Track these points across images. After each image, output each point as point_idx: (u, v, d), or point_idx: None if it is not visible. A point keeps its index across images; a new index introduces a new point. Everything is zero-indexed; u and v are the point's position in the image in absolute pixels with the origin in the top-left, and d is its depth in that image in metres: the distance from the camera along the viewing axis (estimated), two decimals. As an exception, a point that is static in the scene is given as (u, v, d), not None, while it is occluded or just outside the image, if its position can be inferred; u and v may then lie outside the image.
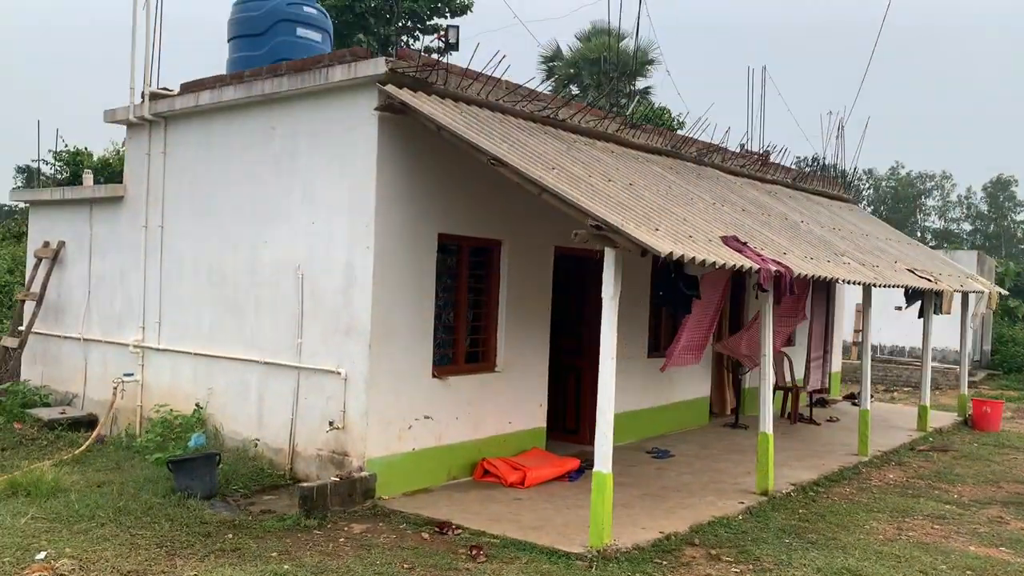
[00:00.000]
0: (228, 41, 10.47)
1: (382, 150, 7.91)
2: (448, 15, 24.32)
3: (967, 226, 71.79)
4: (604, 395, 6.66)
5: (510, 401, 9.41)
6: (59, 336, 11.29)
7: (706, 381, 12.92)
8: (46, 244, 11.59)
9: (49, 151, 19.39)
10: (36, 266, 11.59)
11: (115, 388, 9.86)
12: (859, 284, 10.03)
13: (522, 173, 7.02)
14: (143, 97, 10.04)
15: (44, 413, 10.48)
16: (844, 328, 19.54)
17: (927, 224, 70.65)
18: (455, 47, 8.90)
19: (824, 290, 13.46)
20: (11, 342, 11.62)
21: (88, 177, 12.30)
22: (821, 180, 16.51)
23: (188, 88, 9.71)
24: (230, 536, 6.67)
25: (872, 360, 13.56)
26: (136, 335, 10.16)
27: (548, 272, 9.86)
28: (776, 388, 11.83)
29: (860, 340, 12.61)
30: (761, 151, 15.02)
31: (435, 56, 8.65)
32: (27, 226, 12.72)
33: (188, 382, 9.57)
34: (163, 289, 9.94)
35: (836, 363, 16.84)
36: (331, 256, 8.22)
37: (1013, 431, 14.04)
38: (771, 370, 9.02)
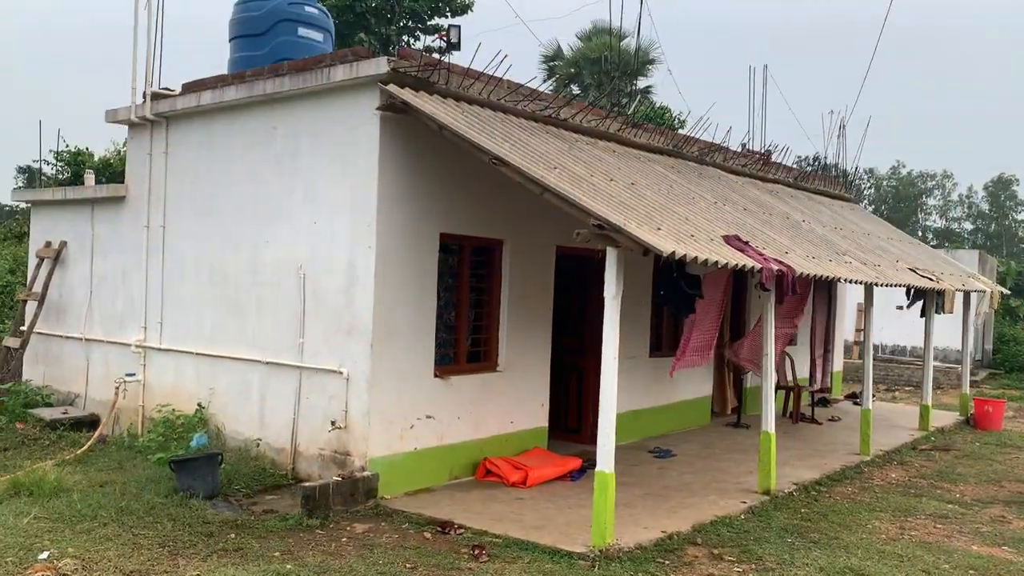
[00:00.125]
0: (229, 41, 10.48)
1: (384, 150, 7.91)
2: (449, 15, 24.30)
3: (968, 225, 71.75)
4: (606, 395, 6.66)
5: (512, 401, 9.41)
6: (61, 336, 11.30)
7: (708, 380, 12.91)
8: (48, 244, 11.60)
9: (50, 151, 19.42)
10: (38, 266, 11.60)
11: (117, 388, 9.86)
12: (861, 283, 10.03)
13: (524, 172, 7.01)
14: (145, 97, 10.04)
15: (46, 413, 10.48)
16: (846, 327, 19.53)
17: (928, 223, 70.60)
18: (456, 47, 8.89)
19: (825, 289, 13.47)
20: (13, 342, 11.62)
21: (90, 177, 12.30)
22: (822, 179, 16.51)
23: (190, 88, 9.71)
24: (232, 536, 6.67)
25: (874, 359, 13.55)
26: (138, 335, 10.16)
27: (550, 271, 9.85)
28: (778, 388, 11.84)
29: (862, 339, 12.61)
30: (762, 150, 15.02)
31: (436, 56, 8.64)
32: (29, 226, 12.72)
33: (190, 382, 9.57)
34: (165, 289, 9.94)
35: (838, 362, 16.83)
36: (333, 256, 8.22)
37: (1015, 430, 14.03)
38: (773, 370, 9.01)
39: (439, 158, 8.36)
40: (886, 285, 10.46)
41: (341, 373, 8.07)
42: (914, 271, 12.11)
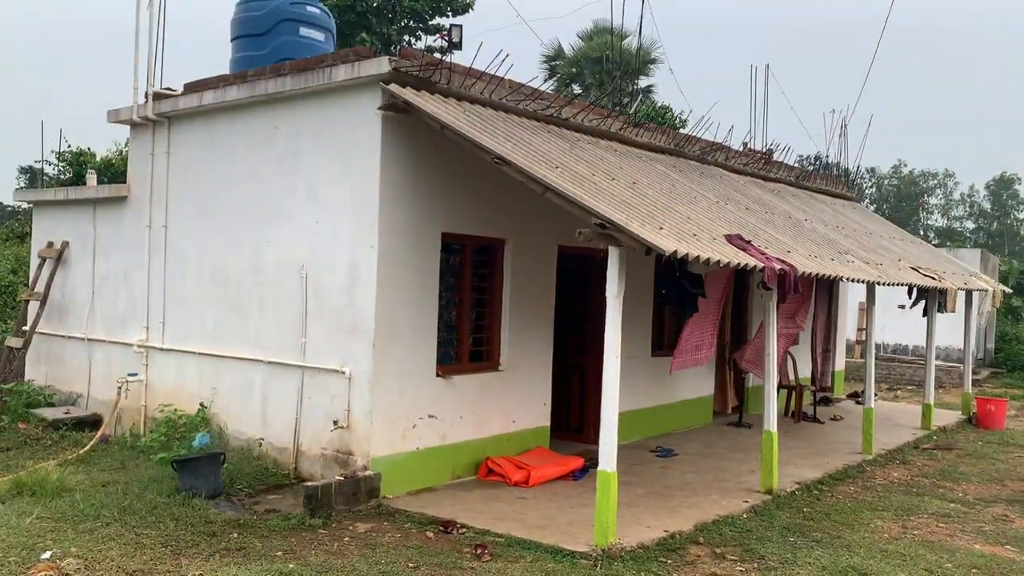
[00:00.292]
0: (231, 41, 10.49)
1: (385, 149, 7.92)
2: (450, 14, 24.31)
3: (970, 224, 71.63)
4: (608, 394, 6.66)
5: (514, 400, 9.41)
6: (63, 336, 11.31)
7: (709, 380, 12.90)
8: (50, 244, 11.61)
9: (52, 151, 19.44)
10: (40, 266, 11.61)
11: (119, 388, 9.87)
12: (863, 282, 10.02)
13: (526, 172, 7.01)
14: (147, 97, 10.05)
15: (48, 413, 10.49)
16: (847, 327, 19.52)
17: (930, 222, 70.50)
18: (458, 46, 8.90)
19: (826, 288, 13.45)
20: (15, 342, 11.63)
21: (92, 177, 12.31)
22: (824, 178, 16.50)
23: (191, 88, 9.71)
24: (235, 535, 6.68)
25: (876, 358, 13.56)
26: (140, 335, 10.17)
27: (552, 271, 9.85)
28: (780, 387, 11.83)
29: (864, 338, 12.60)
30: (764, 150, 15.01)
31: (438, 55, 8.64)
32: (31, 226, 12.74)
33: (192, 382, 9.58)
34: (167, 289, 9.95)
35: (840, 362, 16.82)
36: (335, 255, 8.22)
37: (1017, 429, 14.02)
38: (776, 369, 9.01)
39: (441, 158, 8.36)
40: (888, 284, 10.45)
41: (343, 373, 8.08)
42: (916, 270, 12.10)
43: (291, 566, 6.06)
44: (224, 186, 9.37)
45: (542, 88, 9.75)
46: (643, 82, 28.74)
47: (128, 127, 10.60)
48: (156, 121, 10.06)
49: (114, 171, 17.38)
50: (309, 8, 10.34)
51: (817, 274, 8.62)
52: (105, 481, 8.05)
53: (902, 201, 68.50)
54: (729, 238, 7.93)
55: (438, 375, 8.54)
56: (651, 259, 7.26)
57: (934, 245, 30.78)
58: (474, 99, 8.60)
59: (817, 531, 7.58)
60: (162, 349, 9.96)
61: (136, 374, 10.03)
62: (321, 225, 8.36)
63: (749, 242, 8.04)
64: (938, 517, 8.30)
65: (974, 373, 18.91)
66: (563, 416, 10.70)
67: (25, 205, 19.26)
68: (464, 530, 7.06)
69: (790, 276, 7.93)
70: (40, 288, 11.44)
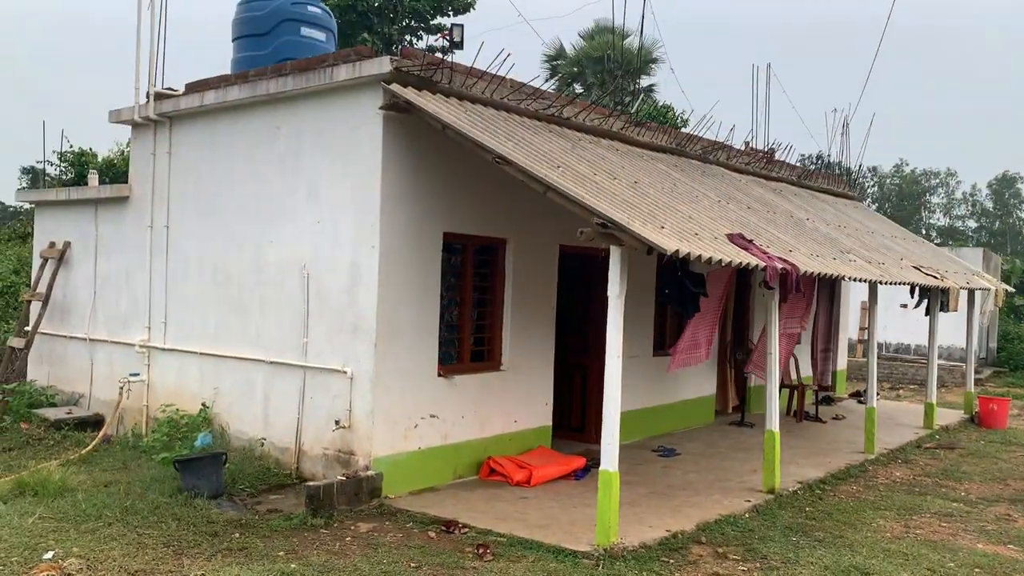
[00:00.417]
0: (233, 41, 10.48)
1: (387, 149, 7.91)
2: (451, 14, 24.30)
3: (972, 223, 71.58)
4: (610, 394, 6.65)
5: (516, 400, 9.40)
6: (65, 336, 11.31)
7: (711, 379, 12.90)
8: (52, 244, 11.61)
9: (54, 152, 19.44)
10: (42, 267, 11.61)
11: (121, 388, 9.88)
12: (865, 282, 10.01)
13: (527, 171, 7.01)
14: (148, 97, 10.05)
15: (50, 413, 10.50)
16: (850, 326, 19.50)
17: (932, 221, 70.45)
18: (459, 46, 8.90)
19: (828, 287, 13.44)
20: (17, 342, 11.64)
21: (93, 177, 12.32)
22: (826, 177, 16.48)
23: (193, 88, 9.72)
24: (237, 535, 6.68)
25: (878, 358, 13.53)
26: (142, 335, 10.17)
27: (553, 270, 9.85)
28: (782, 386, 11.82)
29: (866, 338, 12.59)
30: (766, 149, 14.99)
31: (439, 55, 8.64)
32: (32, 227, 12.74)
33: (194, 382, 9.58)
34: (169, 289, 9.95)
35: (842, 361, 16.80)
36: (336, 255, 8.22)
37: (1020, 428, 13.99)
38: (778, 368, 9.00)
39: (442, 157, 8.36)
40: (890, 283, 10.44)
41: (345, 372, 8.08)
42: (918, 269, 12.08)
43: (293, 566, 6.06)
44: (225, 186, 9.37)
45: (544, 88, 9.74)
46: (645, 81, 28.74)
47: (130, 127, 10.61)
48: (157, 121, 10.06)
49: (116, 171, 17.38)
50: (310, 8, 10.33)
51: (819, 273, 8.60)
52: (107, 481, 8.05)
53: (904, 200, 68.45)
54: (731, 237, 7.92)
55: (440, 375, 8.53)
56: (653, 259, 7.25)
57: (936, 244, 30.74)
58: (475, 99, 8.59)
59: (819, 531, 7.57)
60: (164, 349, 9.96)
61: (138, 374, 10.03)
62: (322, 225, 8.36)
63: (751, 241, 8.04)
64: (941, 516, 8.29)
65: (976, 372, 18.88)
66: (565, 416, 10.69)
67: (27, 205, 19.27)
68: (466, 530, 7.06)
69: (792, 275, 7.92)
70: (42, 288, 11.44)
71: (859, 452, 10.96)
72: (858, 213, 15.61)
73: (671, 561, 6.56)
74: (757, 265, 7.44)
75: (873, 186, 66.44)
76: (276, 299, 8.79)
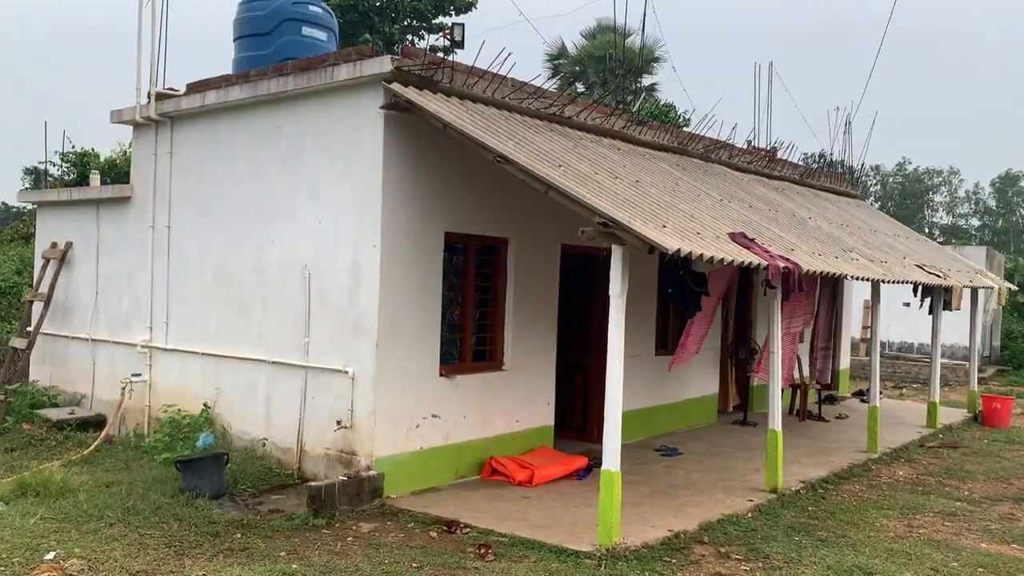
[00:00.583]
0: (234, 41, 10.48)
1: (388, 148, 7.90)
2: (453, 13, 24.30)
3: (975, 222, 71.43)
4: (611, 393, 6.64)
5: (517, 399, 9.39)
6: (67, 337, 11.32)
7: (714, 378, 12.88)
8: (54, 245, 11.62)
9: (56, 152, 19.47)
10: (44, 267, 11.62)
11: (123, 388, 9.88)
12: (868, 280, 9.98)
13: (528, 171, 6.99)
14: (149, 97, 10.06)
15: (53, 414, 10.51)
16: (852, 324, 19.46)
17: (935, 220, 70.31)
18: (460, 45, 8.91)
19: (830, 285, 13.42)
20: (19, 343, 11.65)
21: (95, 178, 12.34)
22: (828, 176, 16.44)
23: (194, 88, 9.71)
24: (238, 536, 6.68)
25: (881, 356, 13.51)
26: (144, 335, 10.18)
27: (555, 270, 9.83)
28: (788, 385, 11.78)
29: (869, 336, 12.57)
30: (768, 147, 14.97)
31: (440, 54, 8.62)
32: (35, 227, 12.75)
33: (196, 382, 9.58)
34: (170, 289, 9.95)
35: (844, 360, 16.78)
36: (337, 255, 8.22)
37: None
38: (781, 367, 8.98)
39: (443, 157, 8.35)
40: (893, 282, 10.42)
41: (346, 372, 8.07)
42: (921, 268, 12.06)
43: (294, 566, 6.05)
44: (227, 186, 9.37)
45: (545, 87, 9.72)
46: (647, 80, 28.73)
47: (131, 127, 10.61)
48: (159, 121, 10.06)
49: (118, 171, 17.39)
50: (311, 8, 10.33)
51: (821, 272, 8.58)
52: (109, 481, 8.05)
53: (907, 199, 68.32)
54: (733, 236, 7.90)
55: (441, 375, 8.52)
56: (655, 258, 7.23)
57: (939, 243, 30.70)
58: (476, 98, 8.58)
59: (822, 530, 7.55)
60: (165, 349, 9.96)
61: (140, 374, 10.03)
62: (324, 225, 8.35)
63: (753, 240, 8.02)
64: (944, 516, 8.26)
65: (980, 371, 18.84)
66: (567, 415, 10.68)
67: (29, 206, 19.30)
68: (468, 530, 7.05)
69: (794, 274, 7.90)
70: (44, 289, 11.45)
71: (862, 451, 10.94)
72: (861, 212, 15.58)
73: (673, 561, 6.54)
74: (759, 264, 7.42)
75: (876, 184, 66.34)
76: (278, 299, 8.78)
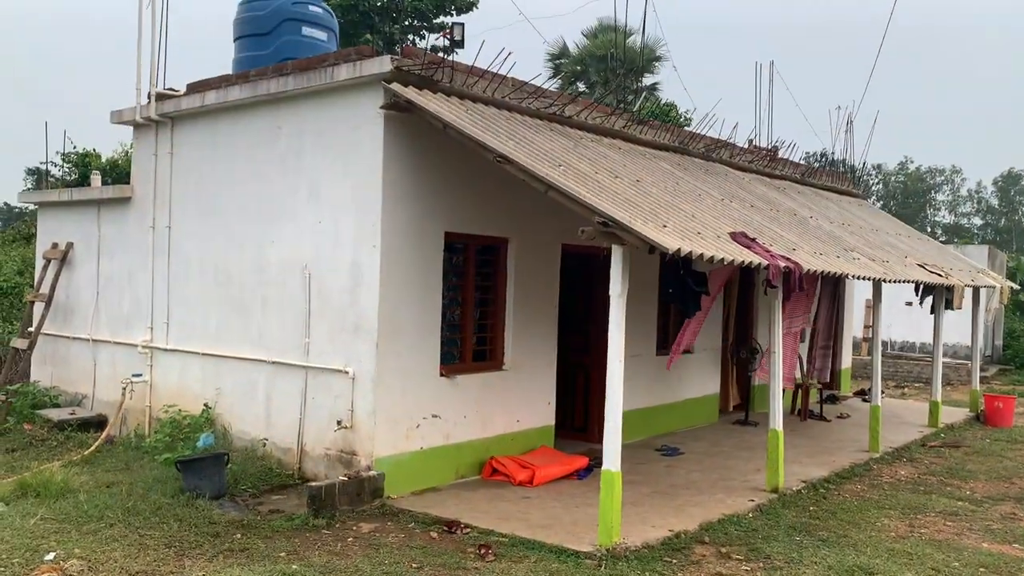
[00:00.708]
0: (234, 41, 10.48)
1: (388, 148, 7.90)
2: (454, 13, 24.28)
3: (978, 220, 71.34)
4: (612, 393, 6.63)
5: (518, 399, 9.38)
6: (68, 337, 11.32)
7: (715, 378, 12.86)
8: (54, 245, 11.63)
9: (57, 153, 19.49)
10: (45, 267, 11.63)
11: (124, 389, 9.88)
12: (869, 280, 9.96)
13: (528, 170, 6.98)
14: (149, 98, 10.06)
15: (54, 414, 10.51)
16: (854, 324, 19.43)
17: (937, 219, 70.23)
18: (460, 44, 8.88)
19: (831, 284, 13.40)
20: (21, 343, 11.66)
21: (96, 178, 12.35)
22: (830, 175, 16.42)
23: (194, 88, 9.71)
24: (238, 536, 6.67)
25: (883, 356, 13.49)
26: (144, 335, 10.18)
27: (555, 270, 9.82)
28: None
29: (870, 336, 12.54)
30: (769, 147, 14.94)
31: (441, 54, 8.61)
32: (36, 228, 12.76)
33: (196, 382, 9.58)
34: (171, 289, 9.95)
35: (846, 359, 16.76)
36: (337, 255, 8.21)
37: (1026, 426, 13.93)
38: (782, 366, 8.96)
39: (443, 156, 8.34)
40: (894, 281, 10.40)
41: (347, 372, 8.06)
42: (923, 267, 12.03)
43: (294, 567, 6.05)
44: (227, 186, 9.36)
45: (547, 86, 9.71)
46: (648, 80, 28.71)
47: (131, 128, 10.61)
48: (159, 122, 10.06)
49: (120, 172, 17.40)
50: (312, 8, 10.33)
51: (822, 271, 8.57)
52: (109, 482, 8.05)
53: (909, 198, 68.23)
54: (733, 236, 7.89)
55: (442, 375, 8.52)
56: (656, 257, 7.22)
57: (941, 242, 30.64)
58: (476, 97, 8.57)
59: (823, 530, 7.53)
60: (166, 350, 9.96)
61: (140, 375, 10.04)
62: (324, 225, 8.34)
63: (754, 240, 8.00)
64: (945, 515, 8.24)
65: (982, 370, 18.81)
66: (568, 415, 10.67)
67: (31, 206, 19.31)
68: (468, 530, 7.04)
69: (795, 274, 7.88)
70: (45, 289, 11.46)
71: (863, 451, 10.92)
72: (862, 211, 15.56)
73: (674, 561, 6.53)
74: (760, 264, 7.40)
75: (878, 184, 66.24)
76: (278, 299, 8.78)
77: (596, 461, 8.32)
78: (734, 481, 9.07)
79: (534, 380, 9.60)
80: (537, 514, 7.56)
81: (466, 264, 8.96)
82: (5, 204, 50.97)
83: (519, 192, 8.20)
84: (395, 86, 7.73)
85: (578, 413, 10.89)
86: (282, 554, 6.33)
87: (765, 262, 7.46)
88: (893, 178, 68.97)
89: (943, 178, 70.86)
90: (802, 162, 15.77)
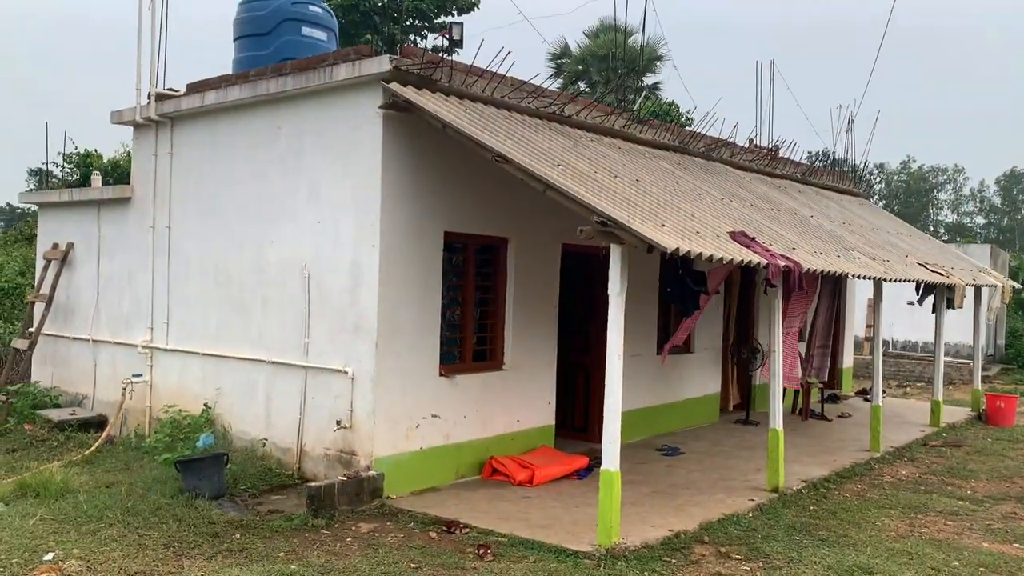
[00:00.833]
0: (234, 41, 10.48)
1: (387, 148, 7.89)
2: (455, 12, 24.28)
3: (980, 220, 71.23)
4: (611, 393, 6.62)
5: (518, 399, 9.37)
6: (68, 337, 11.33)
7: (716, 378, 12.85)
8: (55, 246, 11.64)
9: (59, 153, 19.54)
10: (45, 268, 11.64)
11: (124, 389, 9.88)
12: (869, 279, 9.94)
13: (526, 169, 6.98)
14: (149, 98, 10.06)
15: (54, 414, 10.52)
16: (856, 323, 19.40)
17: (940, 218, 70.13)
18: (459, 44, 8.88)
19: (831, 283, 13.37)
20: (21, 344, 11.67)
21: (96, 179, 12.36)
22: (831, 174, 16.39)
23: (194, 88, 9.71)
24: (237, 536, 6.67)
25: (884, 355, 13.47)
26: (144, 336, 10.18)
27: (555, 269, 9.81)
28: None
29: (872, 335, 12.53)
30: (770, 146, 14.92)
31: (440, 54, 8.61)
32: (37, 228, 12.78)
33: (196, 382, 9.58)
34: (171, 289, 9.95)
35: (848, 358, 16.73)
36: (337, 255, 8.21)
37: (1027, 426, 13.90)
38: (782, 365, 8.94)
39: (443, 156, 8.33)
40: (895, 280, 10.38)
41: (346, 372, 8.06)
42: (924, 266, 12.01)
43: (293, 567, 6.04)
44: (226, 186, 9.36)
45: (549, 86, 9.70)
46: (650, 79, 28.70)
47: (131, 128, 10.61)
48: (159, 122, 10.06)
49: (121, 172, 17.44)
50: (311, 8, 10.33)
51: (822, 271, 8.55)
52: (109, 482, 8.05)
53: (911, 197, 68.14)
54: (733, 235, 7.88)
55: (441, 374, 8.51)
56: (655, 257, 7.22)
57: (944, 241, 30.60)
58: (476, 97, 8.56)
59: (823, 530, 7.52)
60: (166, 350, 9.96)
61: (140, 375, 10.04)
62: (323, 225, 8.34)
63: (753, 239, 7.99)
64: (946, 515, 8.23)
65: (984, 369, 18.78)
66: (568, 415, 10.66)
67: (33, 207, 19.33)
68: (467, 530, 7.03)
69: (795, 273, 7.87)
70: (46, 290, 11.46)
71: (864, 450, 10.90)
72: (863, 210, 15.53)
73: (673, 561, 6.52)
74: (760, 263, 7.39)
75: (880, 183, 66.16)
76: (277, 299, 8.78)
77: (596, 461, 8.30)
78: (734, 481, 9.06)
79: (534, 380, 9.59)
80: (537, 514, 7.55)
81: (466, 264, 8.96)
82: (8, 205, 51.06)
83: (519, 192, 8.20)
84: (394, 86, 7.72)
85: (578, 413, 10.88)
86: (281, 554, 6.33)
87: (764, 261, 7.45)
88: (896, 177, 68.88)
89: (945, 177, 70.76)
90: (803, 161, 15.73)
